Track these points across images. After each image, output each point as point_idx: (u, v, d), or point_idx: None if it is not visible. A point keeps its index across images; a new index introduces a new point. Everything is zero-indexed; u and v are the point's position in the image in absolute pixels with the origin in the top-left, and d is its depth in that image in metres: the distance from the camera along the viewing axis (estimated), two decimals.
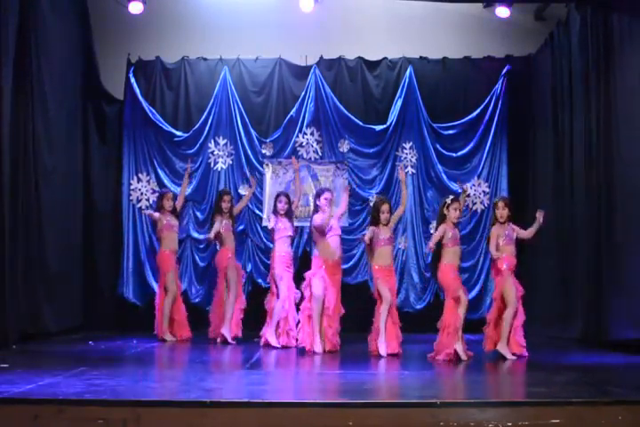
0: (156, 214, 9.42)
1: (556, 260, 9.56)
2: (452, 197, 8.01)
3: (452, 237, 7.78)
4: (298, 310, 8.55)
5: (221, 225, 8.98)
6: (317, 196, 8.53)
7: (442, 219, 7.90)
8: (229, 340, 8.80)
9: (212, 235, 8.93)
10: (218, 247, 9.29)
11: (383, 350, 7.70)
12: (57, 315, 9.18)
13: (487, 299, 10.40)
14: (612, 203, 8.23)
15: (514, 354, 7.58)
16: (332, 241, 8.32)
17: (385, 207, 8.13)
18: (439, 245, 7.82)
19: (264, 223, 10.31)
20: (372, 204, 10.26)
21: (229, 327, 8.86)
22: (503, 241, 7.80)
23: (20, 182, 8.39)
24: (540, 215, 7.95)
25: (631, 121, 8.06)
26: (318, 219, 8.32)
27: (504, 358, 7.50)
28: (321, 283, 8.15)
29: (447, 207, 7.86)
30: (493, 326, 7.76)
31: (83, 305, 10.06)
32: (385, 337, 7.79)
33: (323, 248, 8.31)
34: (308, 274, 8.35)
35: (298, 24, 10.63)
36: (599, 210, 8.47)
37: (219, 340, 8.88)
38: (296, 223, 9.37)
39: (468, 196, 9.98)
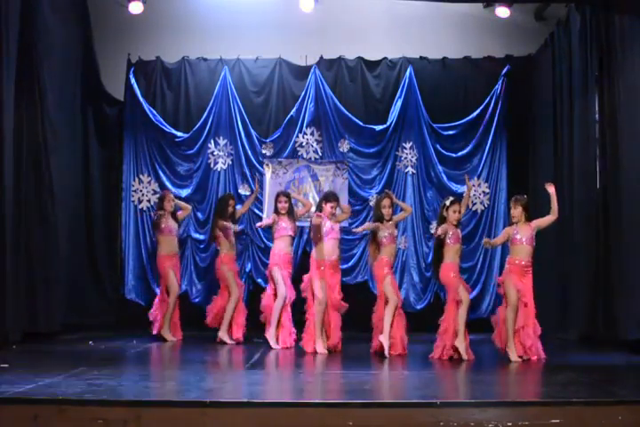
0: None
1: (556, 260, 9.56)
2: (451, 198, 7.99)
3: (454, 236, 7.81)
4: (296, 310, 8.56)
5: (230, 228, 9.07)
6: (325, 200, 8.37)
7: (442, 221, 7.92)
8: (228, 341, 8.82)
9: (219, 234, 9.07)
10: (218, 248, 9.28)
11: (386, 345, 7.68)
12: (58, 315, 9.17)
13: (487, 299, 10.43)
14: (619, 203, 8.21)
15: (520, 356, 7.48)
16: (330, 244, 8.28)
17: (386, 202, 8.14)
18: (441, 243, 7.84)
19: None
20: (372, 204, 10.32)
21: (227, 330, 8.88)
22: (517, 241, 7.65)
23: (22, 183, 8.39)
24: (549, 187, 7.81)
25: (632, 121, 8.06)
26: (315, 219, 8.29)
27: (509, 359, 7.46)
28: (323, 285, 8.13)
29: (446, 209, 7.87)
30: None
31: (84, 305, 10.05)
32: (390, 335, 7.78)
33: (320, 249, 8.29)
34: (306, 276, 8.33)
35: (298, 24, 10.64)
36: (606, 211, 8.44)
37: (218, 340, 8.88)
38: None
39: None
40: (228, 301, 8.97)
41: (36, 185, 8.74)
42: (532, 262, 7.68)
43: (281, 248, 8.80)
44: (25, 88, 8.45)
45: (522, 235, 7.65)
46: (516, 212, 7.71)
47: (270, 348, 8.42)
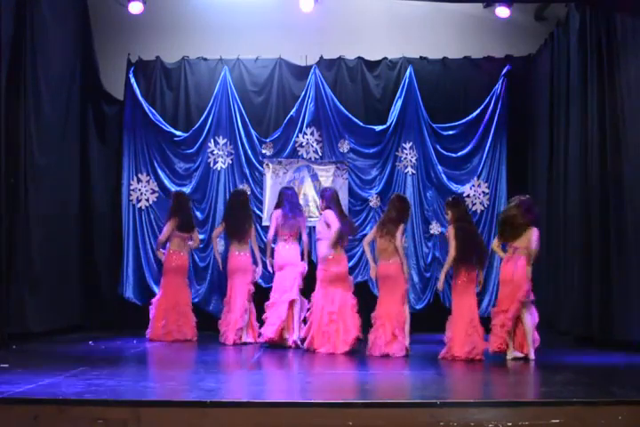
0: (163, 238, 9.36)
1: (555, 260, 9.56)
2: (448, 199, 8.15)
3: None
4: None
5: None
6: (322, 197, 8.52)
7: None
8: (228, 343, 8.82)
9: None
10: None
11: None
12: (56, 315, 9.18)
13: (487, 299, 10.41)
14: (620, 203, 8.20)
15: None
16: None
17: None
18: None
19: (264, 223, 10.30)
20: (372, 204, 10.36)
21: (235, 332, 8.87)
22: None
23: (19, 183, 8.37)
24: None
25: (631, 121, 8.06)
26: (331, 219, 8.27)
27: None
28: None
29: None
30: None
31: (83, 305, 10.06)
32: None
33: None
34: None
35: (298, 24, 10.64)
36: (605, 211, 8.42)
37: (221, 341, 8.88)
38: None
39: None
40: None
41: (34, 185, 8.73)
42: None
43: (281, 248, 8.87)
44: (17, 87, 8.41)
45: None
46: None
47: (270, 348, 8.43)
